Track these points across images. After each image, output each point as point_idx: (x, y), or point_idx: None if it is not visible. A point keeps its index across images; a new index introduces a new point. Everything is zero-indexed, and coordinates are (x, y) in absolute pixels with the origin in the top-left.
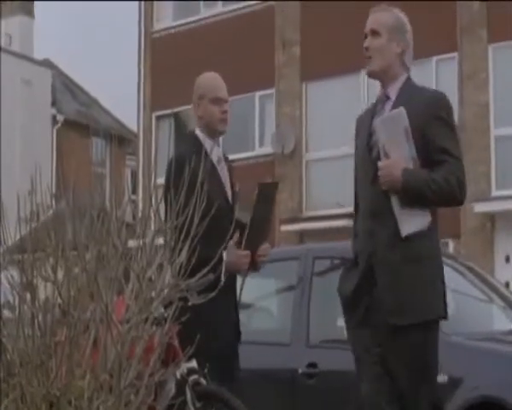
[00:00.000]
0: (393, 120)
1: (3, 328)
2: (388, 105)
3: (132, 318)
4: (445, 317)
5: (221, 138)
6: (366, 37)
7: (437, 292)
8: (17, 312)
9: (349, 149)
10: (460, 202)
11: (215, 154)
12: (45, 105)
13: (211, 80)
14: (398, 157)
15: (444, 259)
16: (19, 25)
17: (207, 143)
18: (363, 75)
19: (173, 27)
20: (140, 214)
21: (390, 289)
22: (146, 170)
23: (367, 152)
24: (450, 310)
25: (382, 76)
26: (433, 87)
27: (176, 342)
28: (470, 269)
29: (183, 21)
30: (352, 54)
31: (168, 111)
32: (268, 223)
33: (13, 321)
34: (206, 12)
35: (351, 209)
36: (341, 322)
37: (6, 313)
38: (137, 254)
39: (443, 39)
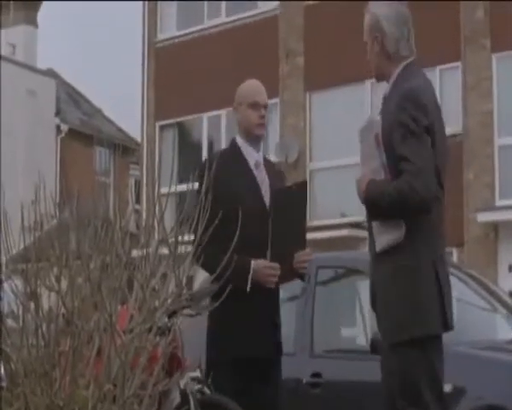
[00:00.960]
0: (367, 129)
1: (7, 338)
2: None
3: (136, 327)
4: (438, 334)
5: None
6: None
7: (426, 308)
8: (21, 321)
9: (354, 158)
10: (418, 207)
11: (253, 158)
12: (49, 115)
13: (249, 86)
14: (368, 170)
15: None
16: (22, 34)
17: (245, 147)
18: (366, 85)
19: (177, 37)
20: (144, 224)
21: (375, 304)
22: (150, 179)
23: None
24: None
25: (380, 78)
26: (438, 97)
27: (180, 352)
28: (474, 278)
29: (186, 31)
30: (356, 64)
31: (172, 121)
32: (300, 228)
33: (17, 331)
34: (209, 22)
35: (354, 219)
36: (345, 332)
37: (10, 322)
38: (141, 263)
39: (446, 49)
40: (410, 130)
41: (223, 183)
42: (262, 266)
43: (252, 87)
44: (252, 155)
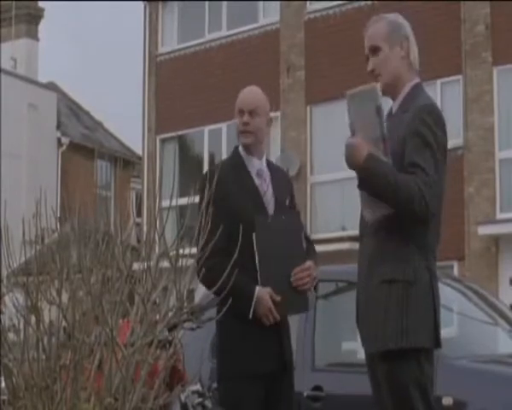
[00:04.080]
0: (365, 96)
1: (8, 351)
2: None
3: (137, 341)
4: (418, 346)
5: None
6: (368, 59)
7: (417, 320)
8: (22, 335)
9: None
10: (418, 216)
11: (255, 166)
12: (50, 128)
13: (240, 93)
14: (365, 138)
15: (448, 281)
16: (23, 48)
17: (246, 156)
18: None
19: (178, 50)
20: (145, 237)
21: (362, 316)
22: (151, 193)
23: None
24: (455, 332)
25: (393, 88)
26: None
27: (181, 365)
28: (475, 291)
29: (187, 44)
30: (357, 77)
31: (173, 134)
32: (294, 252)
33: (18, 344)
34: (210, 35)
35: (355, 232)
36: (346, 345)
37: (11, 336)
38: (142, 277)
39: (447, 62)
40: (427, 141)
41: (223, 194)
42: (267, 299)
43: (241, 94)
44: (253, 164)
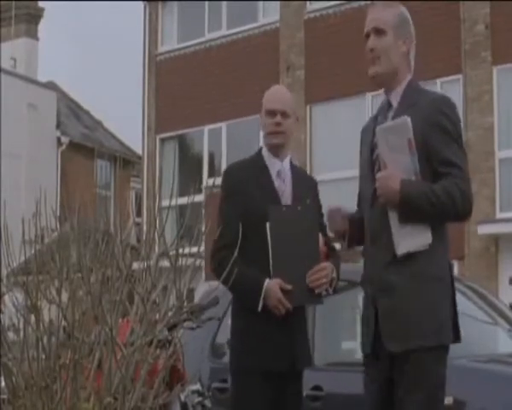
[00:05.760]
0: (396, 130)
1: (8, 351)
2: (390, 113)
3: (137, 340)
4: (448, 344)
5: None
6: (368, 36)
7: (442, 316)
8: (22, 334)
9: (355, 171)
10: (464, 218)
11: (275, 167)
12: (50, 127)
13: (268, 93)
14: (398, 169)
15: None
16: (23, 47)
17: (267, 156)
18: (367, 98)
19: (178, 50)
20: (144, 237)
21: (389, 313)
22: (150, 192)
23: (368, 168)
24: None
25: (388, 80)
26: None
27: (180, 365)
28: (474, 291)
29: (187, 44)
30: (357, 77)
31: (172, 133)
32: (309, 245)
33: (17, 344)
34: (210, 35)
35: None
36: (346, 345)
37: (11, 335)
38: (142, 276)
39: (447, 62)
40: (452, 135)
41: (241, 191)
42: (275, 290)
43: (270, 94)
44: (274, 165)
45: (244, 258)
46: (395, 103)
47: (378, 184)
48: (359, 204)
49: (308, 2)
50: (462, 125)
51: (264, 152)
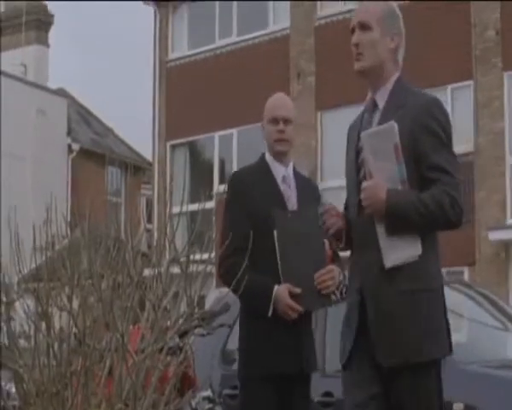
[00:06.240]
0: (382, 136)
1: (19, 358)
2: (376, 115)
3: (147, 347)
4: (443, 357)
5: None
6: (353, 31)
7: (437, 328)
8: (33, 341)
9: None
10: (454, 226)
11: (280, 173)
12: (60, 134)
13: (270, 101)
14: (383, 178)
15: (459, 286)
16: (33, 54)
17: (272, 163)
18: None
19: (188, 56)
20: (155, 243)
21: (380, 326)
22: (161, 199)
23: (354, 172)
24: (465, 338)
25: (373, 76)
26: (450, 115)
27: (191, 372)
28: (485, 297)
29: (198, 50)
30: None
31: (183, 140)
32: (315, 248)
33: (28, 351)
34: (220, 41)
35: None
36: None
37: (22, 342)
38: (153, 283)
39: (458, 68)
40: (442, 141)
41: (247, 197)
42: (284, 295)
43: (272, 102)
44: (279, 171)
45: (250, 262)
46: (382, 104)
47: (364, 194)
48: (347, 208)
49: (318, 9)
50: (451, 129)
51: (268, 158)
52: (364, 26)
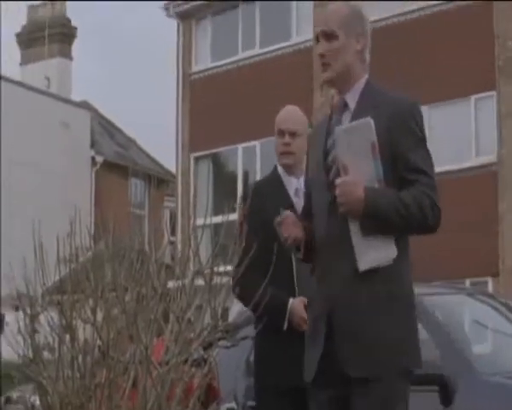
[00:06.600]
0: (358, 131)
1: (43, 370)
2: (347, 116)
3: (172, 359)
4: (414, 369)
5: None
6: (318, 39)
7: (409, 338)
8: (57, 353)
9: None
10: (432, 230)
11: (292, 185)
12: (84, 147)
13: (280, 114)
14: (359, 174)
15: (482, 297)
16: (57, 67)
17: (284, 175)
18: None
19: (211, 68)
20: (179, 255)
21: (348, 334)
22: (185, 211)
23: (322, 173)
24: (489, 349)
25: (342, 82)
26: (473, 126)
27: (215, 383)
28: (509, 308)
29: (221, 63)
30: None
31: (206, 152)
32: None
33: (52, 363)
34: (243, 53)
35: None
36: None
37: (46, 354)
38: (177, 295)
39: (481, 78)
40: (419, 138)
41: (260, 210)
42: (299, 308)
43: (280, 115)
44: (291, 183)
45: (264, 275)
46: (352, 105)
47: (339, 191)
48: (306, 213)
49: None
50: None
51: (280, 170)
52: (328, 36)
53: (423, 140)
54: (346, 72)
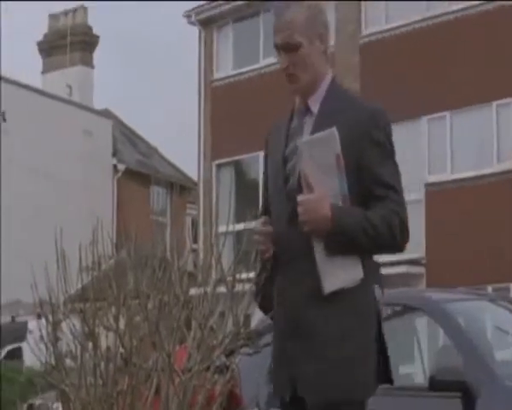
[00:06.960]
0: (322, 143)
1: (66, 377)
2: (309, 121)
3: (194, 366)
4: (367, 399)
5: None
6: (278, 49)
7: (367, 364)
8: (79, 361)
9: (416, 194)
10: (400, 250)
11: None
12: (106, 155)
13: None
14: (325, 191)
15: (505, 303)
16: (79, 75)
17: None
18: (423, 121)
19: (233, 76)
20: (201, 263)
21: (304, 357)
22: (207, 219)
23: (281, 182)
24: (511, 355)
25: (311, 88)
26: (494, 132)
27: (238, 390)
28: None
29: (243, 70)
30: (412, 100)
31: (228, 159)
32: None
33: (75, 370)
34: (265, 61)
35: (411, 256)
36: (403, 369)
37: (68, 362)
38: (199, 302)
39: (502, 84)
40: (387, 150)
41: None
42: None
43: None
44: None
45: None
46: (315, 108)
47: (302, 209)
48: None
49: (364, 27)
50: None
51: None
52: (291, 47)
53: (391, 152)
54: (314, 77)
